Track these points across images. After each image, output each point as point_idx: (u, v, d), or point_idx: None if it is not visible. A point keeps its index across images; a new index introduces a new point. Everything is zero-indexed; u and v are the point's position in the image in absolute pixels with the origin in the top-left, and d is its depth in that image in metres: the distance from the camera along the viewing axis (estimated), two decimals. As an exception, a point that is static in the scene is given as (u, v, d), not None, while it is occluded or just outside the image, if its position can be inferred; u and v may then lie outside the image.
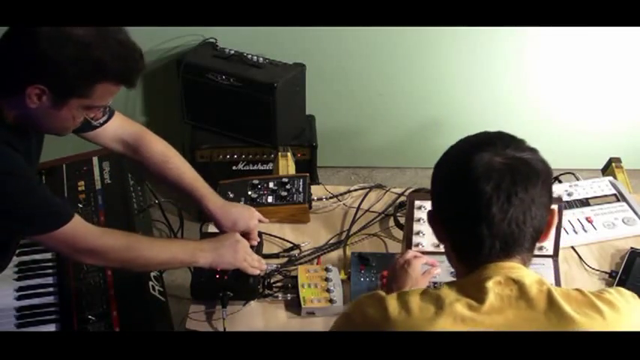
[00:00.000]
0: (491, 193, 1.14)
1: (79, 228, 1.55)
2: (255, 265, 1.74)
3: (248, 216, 1.83)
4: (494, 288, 1.16)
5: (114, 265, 1.67)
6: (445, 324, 1.14)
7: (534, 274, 1.19)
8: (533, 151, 1.22)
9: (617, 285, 1.78)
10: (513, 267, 1.18)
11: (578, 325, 1.13)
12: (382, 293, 1.24)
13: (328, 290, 1.73)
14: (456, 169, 1.21)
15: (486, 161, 1.16)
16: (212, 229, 1.95)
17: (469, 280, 1.20)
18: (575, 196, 2.04)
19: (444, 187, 1.24)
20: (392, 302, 1.20)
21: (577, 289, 1.20)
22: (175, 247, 1.73)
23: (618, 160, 2.28)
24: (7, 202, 1.46)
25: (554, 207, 1.26)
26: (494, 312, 1.15)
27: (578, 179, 2.16)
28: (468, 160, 1.18)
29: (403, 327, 1.16)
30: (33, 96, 1.43)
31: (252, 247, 1.80)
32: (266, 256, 1.85)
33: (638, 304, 1.22)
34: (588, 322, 1.14)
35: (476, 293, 1.17)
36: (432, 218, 1.28)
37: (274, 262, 1.84)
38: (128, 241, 1.63)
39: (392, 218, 2.03)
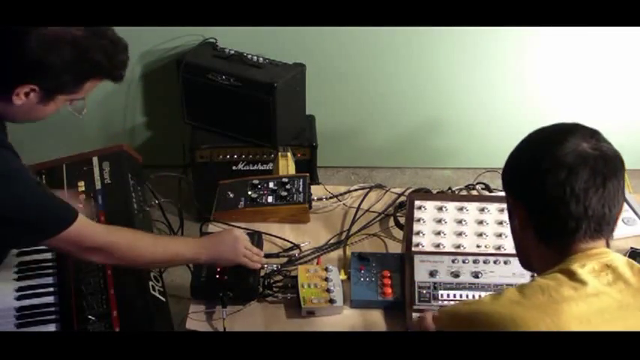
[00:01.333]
0: (588, 176, 1.21)
1: (85, 227, 1.56)
2: (255, 259, 1.75)
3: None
4: (590, 274, 1.20)
5: (120, 262, 1.66)
6: (567, 305, 1.16)
7: (621, 256, 1.26)
8: (608, 141, 1.28)
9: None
10: (601, 253, 1.24)
11: None
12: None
13: (328, 290, 1.73)
14: (547, 156, 1.24)
15: (578, 147, 1.22)
16: (212, 229, 1.96)
17: (561, 269, 1.23)
18: (575, 196, 2.04)
19: (533, 175, 1.26)
20: (485, 297, 1.26)
21: None
22: (178, 244, 1.74)
23: (618, 160, 2.27)
24: (13, 208, 1.46)
25: None
26: (600, 293, 1.19)
27: (578, 179, 2.15)
28: (557, 147, 1.23)
29: (500, 317, 1.18)
30: (21, 94, 1.44)
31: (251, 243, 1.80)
32: (266, 256, 1.85)
33: None
34: None
35: (573, 280, 1.20)
36: (516, 207, 1.31)
37: (274, 262, 1.84)
38: (134, 237, 1.65)
39: (392, 218, 2.03)
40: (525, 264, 1.38)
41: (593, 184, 1.21)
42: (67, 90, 1.48)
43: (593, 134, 1.26)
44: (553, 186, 1.22)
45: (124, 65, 1.53)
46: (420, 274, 1.77)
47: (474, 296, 1.73)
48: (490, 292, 1.29)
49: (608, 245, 1.27)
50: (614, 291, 1.19)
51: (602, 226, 1.24)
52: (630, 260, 1.25)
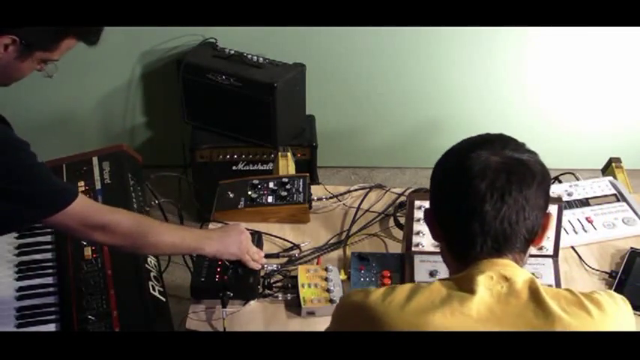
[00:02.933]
0: (485, 190, 1.16)
1: (88, 204, 1.56)
2: (256, 259, 1.75)
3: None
4: (484, 282, 1.17)
5: (124, 242, 1.61)
6: (438, 317, 1.15)
7: (526, 272, 1.20)
8: (532, 153, 1.23)
9: (617, 285, 1.78)
10: (506, 264, 1.19)
11: (563, 323, 1.14)
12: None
13: (328, 290, 1.73)
14: (453, 166, 1.23)
15: (483, 159, 1.19)
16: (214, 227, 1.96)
17: (461, 276, 1.21)
18: (575, 196, 2.04)
19: (440, 185, 1.26)
20: (377, 290, 1.22)
21: (567, 289, 1.21)
22: (183, 231, 1.73)
23: (618, 160, 2.28)
24: (18, 179, 1.45)
25: (551, 211, 1.27)
26: (483, 305, 1.15)
27: (578, 179, 2.16)
28: (466, 158, 1.20)
29: (380, 314, 1.18)
30: (1, 46, 1.43)
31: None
32: (266, 256, 1.85)
33: (627, 307, 1.23)
34: (575, 321, 1.14)
35: (466, 287, 1.18)
36: (429, 216, 1.30)
37: (274, 262, 1.84)
38: (138, 218, 1.65)
39: (392, 218, 2.03)
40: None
41: (490, 198, 1.16)
42: (45, 46, 1.47)
43: (507, 146, 1.21)
44: (454, 199, 1.21)
45: (101, 29, 1.55)
46: (420, 274, 1.77)
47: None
48: (391, 286, 1.26)
49: (521, 262, 1.22)
50: (499, 306, 1.15)
51: (501, 244, 1.19)
52: (533, 279, 1.19)
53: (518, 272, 1.19)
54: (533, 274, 1.76)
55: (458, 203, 1.20)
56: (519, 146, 1.23)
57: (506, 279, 1.17)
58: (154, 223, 1.67)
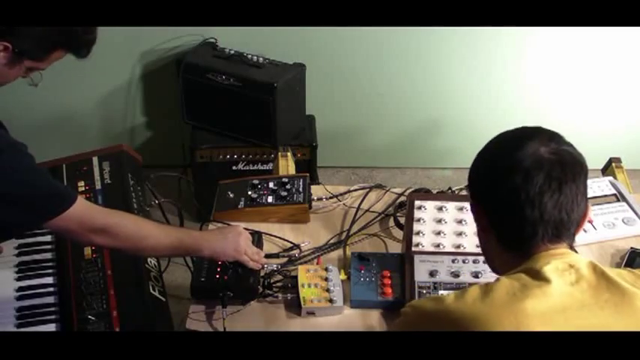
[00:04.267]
0: (543, 181, 1.21)
1: (87, 207, 1.56)
2: (255, 259, 1.75)
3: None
4: (554, 272, 1.20)
5: (124, 245, 1.62)
6: (529, 303, 1.16)
7: (583, 258, 1.26)
8: (571, 145, 1.28)
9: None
10: (564, 253, 1.24)
11: (632, 296, 1.19)
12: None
13: (328, 290, 1.73)
14: (504, 160, 1.25)
15: (534, 151, 1.23)
16: (213, 228, 1.96)
17: (526, 269, 1.23)
18: (575, 196, 2.04)
19: (491, 179, 1.28)
20: (448, 295, 1.25)
21: (623, 268, 1.31)
22: (182, 233, 1.73)
23: (618, 160, 2.28)
24: (16, 183, 1.45)
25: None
26: (563, 293, 1.19)
27: (578, 179, 2.15)
28: (516, 151, 1.23)
29: (467, 314, 1.19)
30: None
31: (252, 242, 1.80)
32: (266, 256, 1.85)
33: None
34: None
35: (539, 277, 1.20)
36: (476, 210, 1.32)
37: (274, 262, 1.84)
38: (137, 221, 1.66)
39: (392, 218, 2.03)
40: (492, 267, 1.38)
41: (548, 188, 1.20)
42: (35, 56, 1.48)
43: (552, 138, 1.26)
44: (508, 191, 1.23)
45: (92, 43, 1.56)
46: (420, 274, 1.77)
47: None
48: (455, 291, 1.28)
49: (572, 249, 1.27)
50: (576, 291, 1.19)
51: (561, 231, 1.24)
52: (593, 262, 1.24)
53: (578, 258, 1.24)
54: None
55: (517, 195, 1.22)
56: (561, 138, 1.28)
57: (571, 266, 1.22)
58: (152, 225, 1.67)
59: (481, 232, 1.35)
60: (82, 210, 1.53)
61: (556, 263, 1.21)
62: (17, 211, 1.47)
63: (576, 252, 1.46)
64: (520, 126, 1.31)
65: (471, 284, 1.72)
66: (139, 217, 1.70)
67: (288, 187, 2.03)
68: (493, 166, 1.28)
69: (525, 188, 1.21)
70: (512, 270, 1.25)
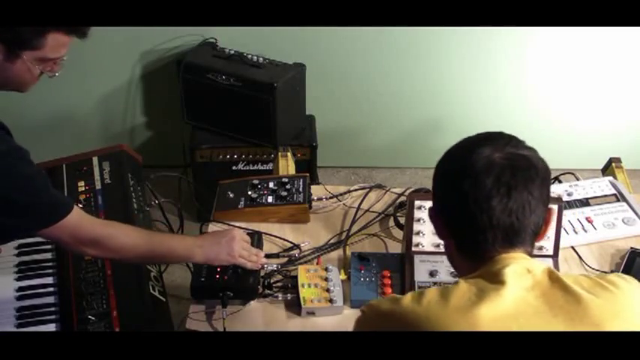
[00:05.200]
0: (491, 186, 1.19)
1: (81, 218, 1.55)
2: (254, 260, 1.74)
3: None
4: (512, 275, 1.19)
5: (116, 256, 1.64)
6: (484, 310, 1.16)
7: (543, 264, 1.24)
8: (532, 149, 1.26)
9: (617, 285, 1.78)
10: (523, 257, 1.23)
11: (593, 304, 1.17)
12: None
13: (328, 290, 1.73)
14: (457, 164, 1.25)
15: (486, 156, 1.21)
16: (212, 229, 1.96)
17: (485, 272, 1.22)
18: (575, 196, 2.04)
19: (445, 183, 1.28)
20: (405, 296, 1.23)
21: (582, 274, 1.26)
22: (174, 241, 1.74)
23: (618, 160, 2.28)
24: (14, 189, 1.45)
25: (553, 207, 1.28)
26: (517, 297, 1.17)
27: (578, 179, 2.16)
28: (469, 155, 1.22)
29: (421, 316, 1.18)
30: None
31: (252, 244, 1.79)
32: (266, 256, 1.85)
33: (636, 283, 1.26)
34: (600, 300, 1.18)
35: (496, 280, 1.19)
36: (434, 216, 1.32)
37: (274, 262, 1.84)
38: (130, 231, 1.64)
39: (392, 218, 2.03)
40: (459, 274, 1.36)
41: (496, 193, 1.18)
42: (29, 44, 1.45)
43: (509, 142, 1.24)
44: (459, 197, 1.22)
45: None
46: (420, 274, 1.77)
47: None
48: (414, 291, 1.28)
49: (530, 255, 1.25)
50: (530, 296, 1.18)
51: (512, 237, 1.21)
52: (550, 268, 1.23)
53: (535, 264, 1.22)
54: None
55: (465, 200, 1.21)
56: (520, 143, 1.26)
57: (529, 271, 1.21)
58: (143, 235, 1.67)
59: (441, 239, 1.34)
60: (75, 221, 1.53)
61: (514, 267, 1.20)
62: (12, 217, 1.47)
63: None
64: (483, 132, 1.30)
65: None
66: (131, 228, 1.68)
67: (288, 187, 2.03)
68: (446, 172, 1.28)
69: (474, 193, 1.20)
70: (472, 274, 1.25)
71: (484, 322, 1.14)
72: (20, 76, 1.51)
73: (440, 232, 1.32)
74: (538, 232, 1.25)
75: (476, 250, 1.24)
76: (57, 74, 1.56)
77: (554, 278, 1.20)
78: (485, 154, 1.21)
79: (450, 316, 1.16)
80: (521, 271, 1.20)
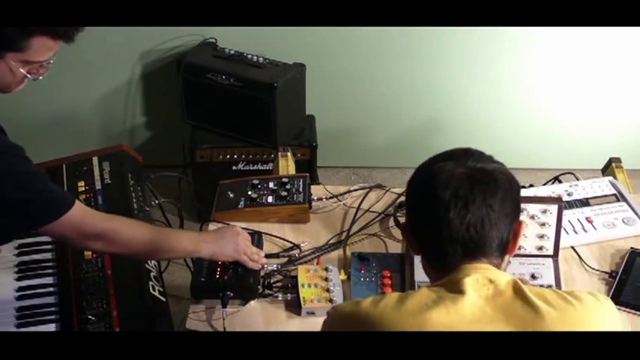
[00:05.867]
0: (449, 199, 1.21)
1: (84, 212, 1.55)
2: (255, 259, 1.75)
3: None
4: (472, 284, 1.20)
5: (121, 250, 1.63)
6: (435, 315, 1.17)
7: (508, 275, 1.24)
8: (499, 164, 1.27)
9: (617, 285, 1.79)
10: (488, 268, 1.23)
11: (551, 315, 1.17)
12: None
13: (328, 290, 1.73)
14: (420, 179, 1.30)
15: (447, 170, 1.24)
16: (212, 229, 1.95)
17: (447, 281, 1.23)
18: (575, 196, 2.04)
19: (411, 198, 1.33)
20: (366, 299, 1.25)
21: (551, 289, 1.30)
22: (180, 235, 1.74)
23: (618, 160, 2.28)
24: (14, 187, 1.44)
25: (523, 219, 1.32)
26: (474, 306, 1.18)
27: (578, 179, 2.16)
28: (431, 170, 1.26)
29: (376, 318, 1.20)
30: None
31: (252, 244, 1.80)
32: (266, 256, 1.85)
33: (609, 304, 1.26)
34: (558, 312, 1.18)
35: (455, 289, 1.20)
36: (405, 231, 1.36)
37: (274, 262, 1.84)
38: (134, 225, 1.64)
39: (392, 218, 2.03)
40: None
41: (454, 206, 1.20)
42: (13, 46, 1.43)
43: (472, 157, 1.26)
44: (421, 211, 1.27)
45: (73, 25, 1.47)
46: (420, 274, 1.76)
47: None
48: (376, 295, 1.31)
49: (498, 267, 1.25)
50: (488, 306, 1.18)
51: (472, 250, 1.22)
52: (516, 280, 1.22)
53: (500, 275, 1.23)
54: (533, 274, 1.78)
55: (425, 213, 1.25)
56: (485, 157, 1.28)
57: (491, 281, 1.21)
58: (149, 229, 1.67)
59: (416, 254, 1.37)
60: (79, 216, 1.52)
61: (476, 276, 1.20)
62: (13, 216, 1.47)
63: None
64: (453, 148, 1.32)
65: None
66: (135, 222, 1.69)
67: (288, 187, 2.03)
68: (412, 187, 1.32)
69: (434, 207, 1.22)
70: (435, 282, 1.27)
71: (434, 326, 1.16)
72: (2, 77, 1.48)
73: (411, 246, 1.34)
74: (505, 246, 1.25)
75: (442, 261, 1.25)
76: (41, 78, 1.53)
77: (517, 289, 1.20)
78: (446, 168, 1.24)
79: (402, 320, 1.18)
80: (482, 281, 1.20)
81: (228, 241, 1.72)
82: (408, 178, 1.35)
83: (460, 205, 1.20)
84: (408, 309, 1.19)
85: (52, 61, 1.52)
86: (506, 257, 1.28)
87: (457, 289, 1.20)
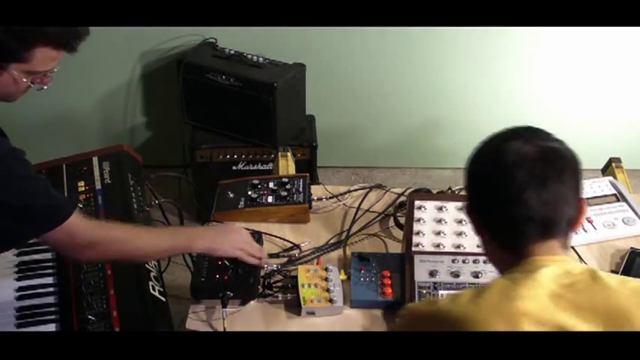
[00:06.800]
0: (524, 178, 1.21)
1: (78, 221, 1.54)
2: (256, 255, 1.74)
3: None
4: (549, 276, 1.20)
5: (114, 257, 1.64)
6: (520, 303, 1.17)
7: (582, 265, 1.29)
8: (560, 141, 1.29)
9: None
10: (562, 260, 1.24)
11: (622, 295, 1.19)
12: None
13: (328, 290, 1.73)
14: (490, 159, 1.27)
15: (518, 149, 1.23)
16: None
17: (520, 270, 1.23)
18: (575, 196, 2.04)
19: (479, 179, 1.30)
20: (444, 298, 1.28)
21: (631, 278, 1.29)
22: (173, 234, 1.74)
23: (618, 160, 2.28)
24: (11, 193, 1.44)
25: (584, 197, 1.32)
26: (555, 294, 1.19)
27: (578, 179, 2.15)
28: (500, 149, 1.25)
29: (460, 314, 1.20)
30: None
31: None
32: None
33: None
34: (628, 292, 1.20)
35: (530, 279, 1.20)
36: (470, 212, 1.33)
37: (274, 262, 1.84)
38: (126, 231, 1.64)
39: (392, 218, 2.03)
40: (496, 269, 1.37)
41: (530, 185, 1.21)
42: (15, 56, 1.44)
43: (537, 135, 1.27)
44: (493, 191, 1.25)
45: (70, 33, 1.47)
46: (420, 274, 1.77)
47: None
48: (450, 292, 1.30)
49: (566, 246, 1.27)
50: (569, 293, 1.19)
51: (549, 229, 1.24)
52: (593, 270, 1.25)
53: (575, 265, 1.25)
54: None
55: (500, 193, 1.24)
56: (549, 135, 1.29)
57: (568, 272, 1.22)
58: (142, 233, 1.68)
59: (478, 235, 1.35)
60: (72, 225, 1.51)
61: (552, 268, 1.22)
62: (12, 222, 1.46)
63: (575, 251, 1.45)
64: (510, 127, 1.32)
65: (471, 284, 1.74)
66: (130, 227, 1.68)
67: (288, 187, 2.03)
68: (478, 168, 1.30)
69: (508, 187, 1.22)
70: (508, 270, 1.26)
71: (521, 317, 1.16)
72: (6, 88, 1.49)
73: (477, 227, 1.33)
74: (572, 223, 1.26)
75: (514, 242, 1.26)
76: (45, 87, 1.54)
77: (596, 277, 1.22)
78: (515, 147, 1.23)
79: (484, 314, 1.18)
80: (560, 272, 1.21)
81: (225, 236, 1.72)
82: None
83: (536, 183, 1.21)
84: (488, 302, 1.19)
85: (55, 70, 1.53)
86: (571, 234, 1.28)
87: (534, 278, 1.20)
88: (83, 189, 2.04)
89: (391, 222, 2.03)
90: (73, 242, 1.54)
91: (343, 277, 1.80)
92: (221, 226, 1.82)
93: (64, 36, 1.46)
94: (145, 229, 1.74)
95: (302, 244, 1.92)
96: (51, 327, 1.73)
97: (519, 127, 1.30)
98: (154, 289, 1.76)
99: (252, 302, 1.74)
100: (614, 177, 2.19)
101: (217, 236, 1.72)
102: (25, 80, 1.49)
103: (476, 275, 1.76)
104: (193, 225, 2.21)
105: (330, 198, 2.09)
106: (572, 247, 1.91)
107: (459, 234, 1.82)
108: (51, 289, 1.82)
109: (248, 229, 1.88)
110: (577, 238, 1.93)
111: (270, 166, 2.97)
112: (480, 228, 1.32)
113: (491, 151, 1.28)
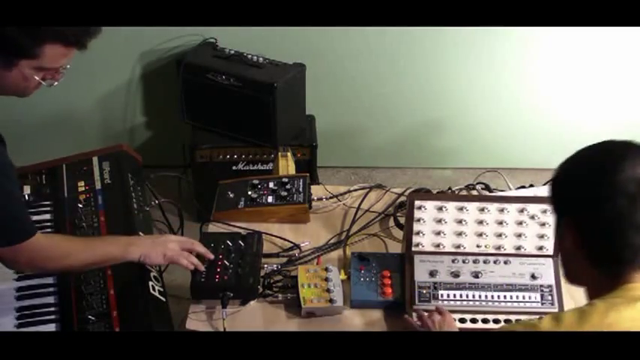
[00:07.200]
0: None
1: (41, 243, 1.60)
2: (192, 261, 1.75)
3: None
4: None
5: (51, 271, 1.74)
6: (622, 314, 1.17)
7: None
8: None
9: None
10: None
11: None
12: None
13: (328, 290, 1.73)
14: (604, 182, 1.23)
15: (634, 174, 1.21)
16: (212, 229, 1.96)
17: (619, 295, 1.22)
18: (575, 196, 2.03)
19: (591, 199, 1.25)
20: (545, 319, 1.23)
21: None
22: (107, 244, 1.74)
23: (618, 160, 2.27)
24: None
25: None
26: None
27: (578, 179, 2.15)
28: (617, 172, 1.22)
29: None
30: None
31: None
32: (266, 256, 1.86)
33: None
34: None
35: (633, 301, 1.19)
36: (566, 226, 1.29)
37: (274, 262, 1.84)
38: (61, 242, 1.70)
39: (392, 218, 2.03)
40: (572, 281, 1.35)
41: None
42: (25, 53, 1.44)
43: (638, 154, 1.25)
44: (612, 215, 1.21)
45: (80, 30, 1.48)
46: (420, 274, 1.77)
47: (474, 296, 1.73)
48: (551, 313, 1.31)
49: None
50: None
51: None
52: None
53: None
54: (532, 274, 1.78)
55: (620, 219, 1.20)
56: None
57: None
58: (77, 245, 1.70)
59: (566, 249, 1.31)
60: (34, 246, 1.57)
61: None
62: None
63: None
64: (604, 140, 1.31)
65: (470, 284, 1.74)
66: (65, 239, 1.74)
67: (288, 187, 2.03)
68: (592, 187, 1.25)
69: (630, 213, 1.19)
70: (600, 292, 1.24)
71: (620, 322, 1.16)
72: (17, 84, 1.50)
73: (568, 239, 1.29)
74: None
75: (616, 266, 1.23)
76: (56, 83, 1.55)
77: None
78: (632, 171, 1.22)
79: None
80: None
81: (158, 244, 1.73)
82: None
83: None
84: (592, 324, 1.18)
85: (68, 67, 1.54)
86: None
87: (636, 299, 1.19)
88: (83, 189, 2.04)
89: (391, 222, 2.03)
90: (16, 260, 1.60)
91: (343, 277, 1.80)
92: (155, 235, 1.85)
93: (73, 33, 1.47)
94: (80, 240, 1.77)
95: (302, 244, 1.92)
96: (51, 327, 1.72)
97: (618, 143, 1.32)
98: (153, 289, 1.76)
99: (252, 302, 1.74)
100: (614, 177, 2.18)
101: (150, 244, 1.73)
102: (35, 77, 1.50)
103: (476, 275, 1.77)
104: (193, 225, 2.20)
105: (330, 198, 2.09)
106: None
107: (459, 234, 1.82)
108: (51, 289, 1.82)
109: (248, 229, 1.88)
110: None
111: (270, 166, 2.97)
112: (576, 246, 1.27)
113: (605, 173, 1.24)
